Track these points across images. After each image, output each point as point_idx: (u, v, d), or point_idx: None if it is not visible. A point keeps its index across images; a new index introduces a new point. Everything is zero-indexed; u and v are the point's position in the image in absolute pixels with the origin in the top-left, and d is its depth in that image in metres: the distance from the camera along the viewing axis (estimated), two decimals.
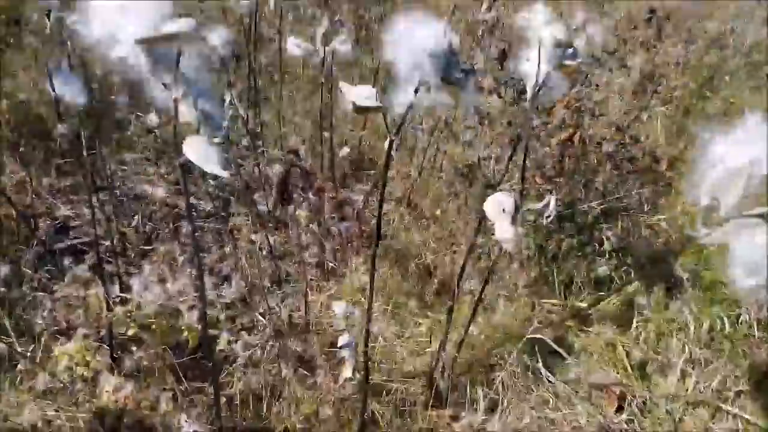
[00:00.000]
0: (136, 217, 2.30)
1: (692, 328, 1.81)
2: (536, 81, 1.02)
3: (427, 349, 1.77)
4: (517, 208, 0.91)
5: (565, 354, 1.73)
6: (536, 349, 1.74)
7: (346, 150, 2.35)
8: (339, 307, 1.47)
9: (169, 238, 2.25)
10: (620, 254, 1.99)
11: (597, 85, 2.12)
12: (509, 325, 1.83)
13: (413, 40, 0.79)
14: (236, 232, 2.32)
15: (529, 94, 1.06)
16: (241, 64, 2.71)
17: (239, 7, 2.06)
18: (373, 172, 2.70)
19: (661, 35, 2.20)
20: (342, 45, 1.83)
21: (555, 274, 1.96)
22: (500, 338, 1.79)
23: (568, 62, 0.99)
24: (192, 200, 2.57)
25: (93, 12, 0.76)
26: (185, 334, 1.64)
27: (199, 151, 0.83)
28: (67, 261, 2.01)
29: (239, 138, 2.70)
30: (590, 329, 1.86)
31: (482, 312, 1.84)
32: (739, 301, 1.86)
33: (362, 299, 1.89)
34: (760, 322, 1.84)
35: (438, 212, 2.14)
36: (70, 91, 1.45)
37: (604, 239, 1.93)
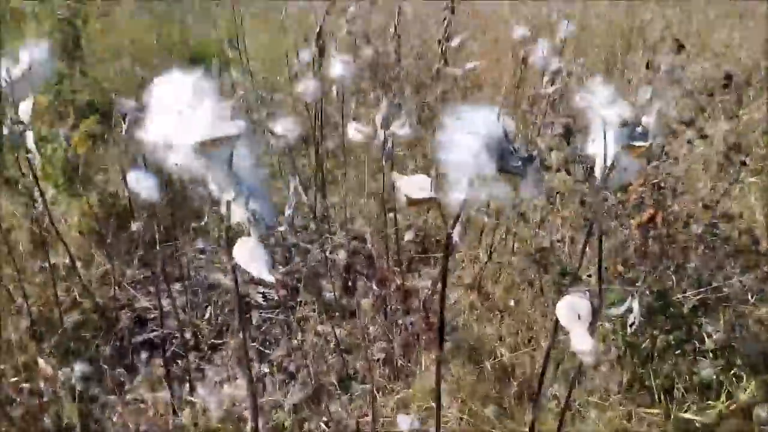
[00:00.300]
0: (208, 308, 2.33)
1: None
2: (604, 164, 0.93)
3: None
4: (594, 313, 0.80)
5: None
6: None
7: (410, 234, 2.30)
8: (405, 422, 1.35)
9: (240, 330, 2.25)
10: (726, 353, 1.74)
11: (676, 158, 1.98)
12: None
13: (464, 130, 0.73)
14: (303, 323, 2.29)
15: (597, 178, 0.97)
16: (310, 148, 2.79)
17: (305, 95, 2.13)
18: (440, 254, 2.62)
19: (741, 101, 2.04)
20: (401, 128, 1.82)
21: (651, 376, 1.72)
22: None
23: (637, 143, 0.90)
24: (260, 289, 2.59)
25: (150, 118, 0.78)
26: None
27: (247, 253, 0.83)
28: (144, 355, 2.04)
29: (307, 222, 2.74)
30: None
31: (570, 422, 1.64)
32: None
33: (434, 405, 1.75)
34: None
35: (511, 303, 2.01)
36: (146, 188, 1.51)
37: (705, 336, 1.71)
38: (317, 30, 2.39)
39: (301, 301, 2.43)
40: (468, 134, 0.71)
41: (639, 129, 0.93)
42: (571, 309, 0.81)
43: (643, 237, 1.72)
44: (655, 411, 1.69)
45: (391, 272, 1.72)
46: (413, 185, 0.83)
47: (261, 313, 2.40)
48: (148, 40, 3.81)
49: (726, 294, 1.84)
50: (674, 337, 1.78)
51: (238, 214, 0.85)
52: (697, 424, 1.63)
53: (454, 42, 2.81)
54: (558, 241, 2.09)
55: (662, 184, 1.83)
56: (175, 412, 1.62)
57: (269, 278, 0.82)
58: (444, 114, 0.73)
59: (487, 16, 5.20)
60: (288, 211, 1.69)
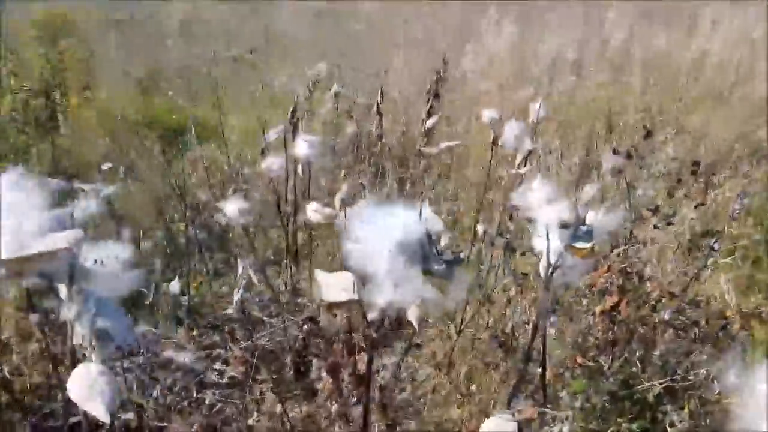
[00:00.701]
0: (157, 387, 2.20)
1: None
2: (548, 264, 0.89)
3: None
4: None
5: None
6: None
7: (374, 312, 2.22)
8: None
9: (189, 411, 2.13)
10: None
11: (644, 244, 1.95)
12: None
13: (382, 232, 0.69)
14: (260, 404, 2.17)
15: (543, 278, 0.92)
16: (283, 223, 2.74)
17: (270, 172, 2.10)
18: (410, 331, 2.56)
19: (707, 189, 2.05)
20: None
21: None
22: None
23: (579, 245, 0.86)
24: (217, 366, 2.48)
25: None
26: None
27: (85, 385, 0.67)
28: None
29: (276, 295, 2.66)
30: None
31: None
32: None
33: None
34: None
35: (473, 388, 1.93)
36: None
37: (667, 427, 1.64)
38: (292, 107, 2.40)
39: (257, 379, 2.32)
40: (382, 238, 0.67)
41: (583, 228, 0.90)
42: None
43: (607, 324, 1.67)
44: None
45: (351, 353, 1.63)
46: (335, 285, 0.77)
47: (216, 392, 2.28)
48: (129, 112, 3.83)
49: (692, 382, 1.78)
50: (638, 426, 1.71)
51: (80, 334, 0.70)
52: None
53: (429, 122, 2.84)
54: (525, 322, 2.03)
55: (628, 270, 1.79)
56: None
57: (106, 419, 0.66)
58: (356, 215, 0.68)
59: (476, 92, 5.33)
60: (237, 295, 1.63)
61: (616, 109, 4.79)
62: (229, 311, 1.45)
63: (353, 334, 2.21)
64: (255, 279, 1.51)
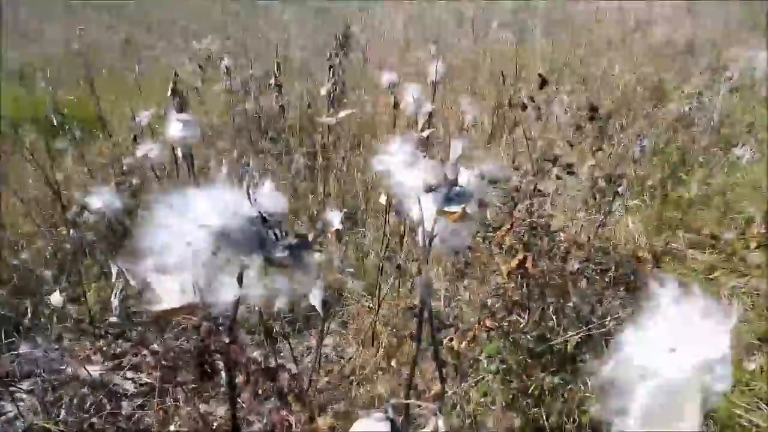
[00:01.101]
0: (63, 406, 2.02)
1: None
2: (423, 230, 0.81)
3: None
4: None
5: None
6: None
7: (283, 301, 2.13)
8: None
9: (104, 426, 1.98)
10: None
11: (548, 194, 1.93)
12: None
13: (195, 219, 0.57)
14: (180, 407, 2.04)
15: (420, 246, 0.85)
16: None
17: (150, 159, 1.91)
18: (339, 309, 2.50)
19: (602, 136, 2.04)
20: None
21: (544, 417, 1.64)
22: None
23: (450, 208, 0.78)
24: (129, 374, 2.31)
25: None
26: None
27: None
28: None
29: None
30: None
31: None
32: None
33: None
34: None
35: (393, 363, 1.87)
36: None
37: (587, 377, 1.64)
38: (171, 86, 2.19)
39: (176, 382, 2.18)
40: (195, 226, 0.56)
41: (456, 189, 0.82)
42: None
43: (517, 282, 1.64)
44: None
45: (247, 355, 1.52)
46: (171, 287, 0.65)
47: (132, 402, 2.14)
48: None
49: (607, 329, 1.79)
50: (560, 378, 1.72)
51: None
52: None
53: (323, 89, 2.72)
54: (436, 290, 1.99)
55: (534, 225, 1.77)
56: None
57: None
58: (165, 200, 0.56)
59: (381, 56, 5.22)
60: (115, 301, 1.48)
61: (523, 62, 4.81)
62: (113, 319, 1.30)
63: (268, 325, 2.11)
64: (133, 282, 1.36)
